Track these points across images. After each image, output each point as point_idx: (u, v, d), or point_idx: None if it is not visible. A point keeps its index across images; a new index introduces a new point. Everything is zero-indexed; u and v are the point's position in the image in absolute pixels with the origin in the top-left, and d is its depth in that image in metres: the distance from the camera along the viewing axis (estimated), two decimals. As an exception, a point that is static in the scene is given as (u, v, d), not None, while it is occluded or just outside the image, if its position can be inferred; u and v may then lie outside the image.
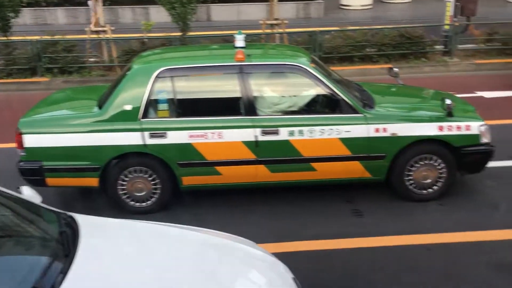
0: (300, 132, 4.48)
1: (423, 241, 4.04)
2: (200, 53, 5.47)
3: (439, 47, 10.51)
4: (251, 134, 4.47)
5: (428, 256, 3.85)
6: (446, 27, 10.34)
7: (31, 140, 4.46)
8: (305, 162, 4.57)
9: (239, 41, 4.71)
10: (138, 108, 4.46)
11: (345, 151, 4.53)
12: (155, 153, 4.51)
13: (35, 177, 4.51)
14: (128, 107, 4.47)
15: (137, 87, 4.52)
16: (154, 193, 4.67)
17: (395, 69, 5.69)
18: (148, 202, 4.70)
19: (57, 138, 4.48)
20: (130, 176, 4.58)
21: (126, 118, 4.47)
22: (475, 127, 4.59)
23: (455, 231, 4.15)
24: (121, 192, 4.62)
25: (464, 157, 4.61)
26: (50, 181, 4.58)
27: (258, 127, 4.46)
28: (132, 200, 4.66)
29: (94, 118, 4.55)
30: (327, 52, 9.90)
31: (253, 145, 4.48)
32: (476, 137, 4.59)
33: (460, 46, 10.48)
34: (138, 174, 4.59)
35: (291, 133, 4.48)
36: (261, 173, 4.60)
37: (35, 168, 4.49)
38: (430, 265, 3.72)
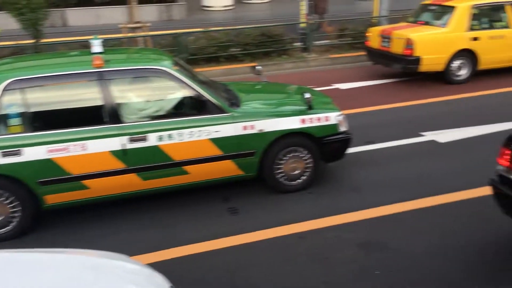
0: (169, 136, 4.42)
1: (297, 230, 4.23)
2: (55, 61, 5.06)
3: (297, 44, 11.13)
4: (118, 142, 4.30)
5: (301, 244, 4.04)
6: (302, 25, 11.00)
7: None
8: (177, 166, 4.52)
9: (96, 46, 4.51)
10: None
11: (217, 151, 4.57)
12: (10, 173, 4.12)
13: None
14: None
15: None
16: (13, 218, 4.26)
17: (258, 67, 5.88)
18: (7, 227, 4.28)
19: None
20: None
21: None
22: (333, 117, 4.91)
23: (324, 217, 4.41)
24: None
25: (326, 146, 4.91)
26: None
27: (125, 135, 4.31)
28: None
29: None
30: (193, 54, 9.92)
31: (121, 154, 4.32)
32: (335, 126, 4.91)
33: (316, 43, 11.21)
34: None
35: (160, 138, 4.40)
36: (133, 182, 4.46)
37: None
38: (303, 252, 3.91)
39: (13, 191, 4.20)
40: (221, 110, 4.57)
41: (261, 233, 4.22)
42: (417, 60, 8.35)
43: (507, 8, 8.76)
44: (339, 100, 7.85)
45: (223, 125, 4.55)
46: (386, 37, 8.94)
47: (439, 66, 8.53)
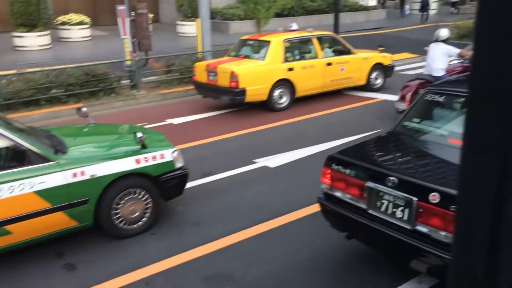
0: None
1: (143, 275, 4.05)
2: None
3: (125, 81, 10.90)
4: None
5: (149, 289, 3.87)
6: (128, 62, 10.83)
7: None
8: None
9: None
10: None
11: (44, 204, 4.16)
12: None
13: None
14: None
15: None
16: None
17: (84, 109, 5.57)
18: None
19: None
20: None
21: None
22: (168, 154, 4.85)
23: (169, 257, 4.31)
24: None
25: (164, 184, 4.82)
26: None
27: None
28: None
29: None
30: (7, 99, 9.02)
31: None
32: (171, 163, 4.85)
33: (145, 79, 11.12)
34: None
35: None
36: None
37: None
38: (153, 297, 3.75)
39: None
40: (44, 159, 4.20)
41: (106, 285, 3.93)
42: (242, 92, 8.80)
43: (314, 41, 9.81)
44: (173, 135, 7.83)
45: (48, 175, 4.16)
46: (212, 71, 9.24)
47: (263, 96, 9.10)
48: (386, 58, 10.89)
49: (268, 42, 9.39)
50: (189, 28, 19.99)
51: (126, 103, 10.25)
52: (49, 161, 4.22)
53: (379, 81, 10.78)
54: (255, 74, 9.02)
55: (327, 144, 7.07)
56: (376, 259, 4.08)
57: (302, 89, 9.55)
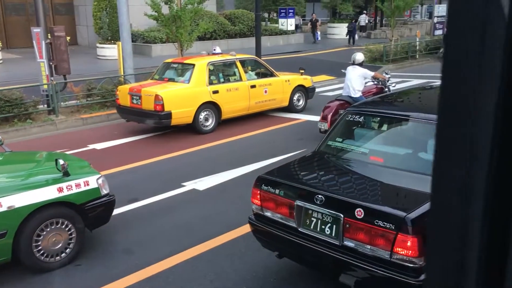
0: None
1: (68, 310, 3.85)
2: None
3: (42, 106, 10.41)
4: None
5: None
6: (45, 86, 10.37)
7: None
8: None
9: None
10: None
11: None
12: None
13: None
14: None
15: None
16: None
17: (-3, 138, 5.25)
18: None
19: None
20: None
21: None
22: (93, 181, 4.68)
23: (97, 288, 4.13)
24: None
25: (90, 212, 4.66)
26: None
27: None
28: None
29: None
30: None
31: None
32: (96, 190, 4.69)
33: (64, 104, 10.69)
34: None
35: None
36: None
37: None
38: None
39: None
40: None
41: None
42: (168, 115, 8.72)
43: (237, 63, 10.02)
44: (97, 160, 7.57)
45: None
46: (135, 95, 9.11)
47: (188, 119, 9.07)
48: (307, 80, 11.32)
49: (192, 65, 9.45)
50: (109, 51, 19.55)
51: (44, 129, 9.78)
52: None
53: (301, 103, 11.19)
54: (180, 97, 9.02)
55: (254, 165, 7.18)
56: (310, 273, 4.18)
57: (228, 111, 9.67)
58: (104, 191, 4.80)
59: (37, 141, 9.01)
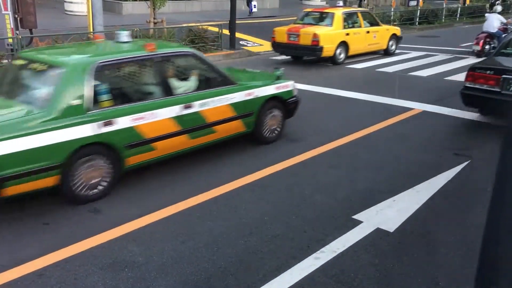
0: (206, 103, 5.65)
1: (36, 267, 3.78)
2: (110, 48, 5.70)
3: (6, 61, 10.00)
4: (177, 110, 5.37)
5: (42, 282, 3.63)
6: (10, 40, 9.93)
7: None
8: (209, 127, 5.76)
9: (124, 36, 5.60)
10: (83, 101, 4.67)
11: (233, 113, 6.01)
12: (107, 140, 4.79)
13: None
14: (76, 102, 4.62)
15: (78, 82, 4.69)
16: (104, 180, 4.89)
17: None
18: (98, 189, 4.87)
19: (11, 144, 4.21)
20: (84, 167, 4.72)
21: (74, 113, 4.60)
22: (291, 85, 6.88)
23: (65, 247, 4.07)
24: (76, 184, 4.69)
25: (288, 105, 6.84)
26: (9, 190, 4.29)
27: (180, 103, 5.41)
28: (87, 189, 4.78)
29: (41, 118, 4.42)
30: None
31: (178, 119, 5.38)
32: (292, 91, 6.89)
33: (29, 59, 10.28)
34: (92, 163, 4.76)
35: (202, 105, 5.62)
36: (184, 141, 5.54)
37: None
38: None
39: (107, 156, 4.84)
40: (233, 83, 6.05)
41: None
42: (321, 49, 12.23)
43: (359, 14, 13.54)
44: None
45: (235, 92, 6.01)
46: (293, 34, 12.53)
47: (331, 53, 12.53)
48: (398, 30, 14.86)
49: (333, 13, 12.87)
50: (77, 6, 18.85)
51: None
52: (235, 84, 6.06)
53: (394, 47, 14.66)
54: (328, 36, 12.43)
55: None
56: (274, 241, 4.23)
57: (353, 49, 13.16)
58: (295, 93, 6.94)
59: None
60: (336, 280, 3.62)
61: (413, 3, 22.72)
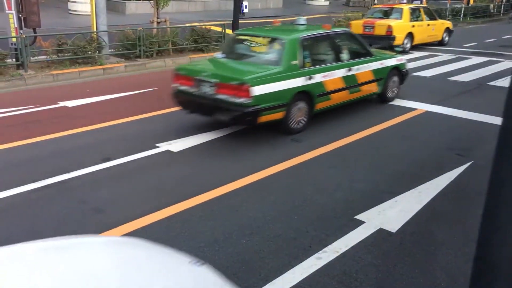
0: (358, 68, 7.87)
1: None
2: (306, 28, 7.94)
3: (11, 60, 10.04)
4: (344, 72, 7.60)
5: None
6: (14, 39, 9.96)
7: (257, 90, 6.29)
8: (357, 86, 7.98)
9: (302, 21, 8.05)
10: (298, 62, 6.93)
11: (372, 77, 8.26)
12: (309, 89, 6.97)
13: (250, 118, 6.38)
14: (294, 62, 6.87)
15: (294, 49, 6.94)
16: (303, 120, 7.12)
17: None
18: (299, 126, 7.07)
19: (268, 87, 6.44)
20: (296, 108, 6.97)
21: (294, 69, 6.84)
22: (404, 59, 9.13)
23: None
24: (290, 119, 6.91)
25: (402, 74, 9.06)
26: (261, 119, 6.46)
27: (346, 67, 7.67)
28: (295, 124, 7.02)
29: (277, 72, 6.64)
30: None
31: (344, 78, 7.62)
32: (404, 64, 9.12)
33: (33, 58, 10.34)
34: (299, 106, 7.00)
35: (357, 69, 7.83)
36: (345, 95, 7.78)
37: (255, 111, 6.32)
38: None
39: (307, 102, 7.05)
40: (372, 55, 8.36)
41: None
42: (394, 38, 14.33)
43: (421, 10, 15.91)
44: (68, 118, 7.42)
45: (374, 62, 8.29)
46: (369, 26, 14.73)
47: (400, 41, 14.48)
48: (450, 24, 17.22)
49: (401, 8, 15.27)
50: (81, 6, 18.88)
51: (12, 84, 9.47)
52: (374, 56, 8.39)
53: (447, 39, 16.90)
54: (399, 28, 14.55)
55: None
56: (276, 241, 4.24)
57: (417, 39, 15.16)
58: (407, 65, 9.23)
59: (5, 95, 8.72)
60: (338, 280, 3.62)
61: (417, 3, 22.68)
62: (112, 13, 17.84)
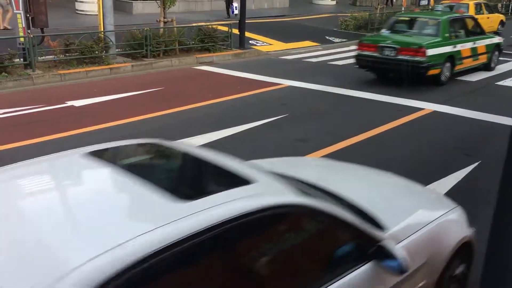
0: (479, 42, 11.07)
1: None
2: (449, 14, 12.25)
3: (18, 60, 10.10)
4: (471, 44, 10.95)
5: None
6: (22, 39, 10.02)
7: (430, 52, 9.77)
8: (477, 55, 11.12)
9: (440, 8, 12.33)
10: (449, 35, 10.50)
11: (485, 50, 11.36)
12: (453, 54, 10.42)
13: (424, 71, 9.83)
14: (447, 35, 10.46)
15: (447, 26, 10.54)
16: (448, 74, 10.52)
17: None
18: (445, 79, 10.45)
19: (435, 51, 9.98)
20: (446, 66, 10.52)
21: (447, 39, 10.40)
22: (500, 39, 12.36)
23: None
24: (442, 74, 10.38)
25: (501, 49, 12.37)
26: (429, 72, 9.88)
27: (472, 41, 10.97)
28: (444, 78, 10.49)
29: (439, 41, 10.30)
30: None
31: (471, 49, 10.91)
32: (502, 42, 12.34)
33: (41, 58, 10.39)
34: (448, 65, 10.49)
35: (478, 43, 11.08)
36: (470, 61, 11.07)
37: (428, 66, 9.78)
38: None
39: (451, 63, 10.50)
40: (485, 33, 11.64)
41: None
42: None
43: (482, 5, 19.17)
44: (75, 117, 7.46)
45: (486, 39, 11.54)
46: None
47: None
48: (503, 17, 20.97)
49: (467, 4, 18.20)
50: (89, 6, 18.95)
51: (20, 83, 9.52)
52: (485, 34, 11.78)
53: (500, 29, 20.16)
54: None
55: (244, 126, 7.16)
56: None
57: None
58: (503, 44, 12.45)
59: (13, 95, 8.78)
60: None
61: (424, 3, 22.58)
62: (119, 13, 17.90)
